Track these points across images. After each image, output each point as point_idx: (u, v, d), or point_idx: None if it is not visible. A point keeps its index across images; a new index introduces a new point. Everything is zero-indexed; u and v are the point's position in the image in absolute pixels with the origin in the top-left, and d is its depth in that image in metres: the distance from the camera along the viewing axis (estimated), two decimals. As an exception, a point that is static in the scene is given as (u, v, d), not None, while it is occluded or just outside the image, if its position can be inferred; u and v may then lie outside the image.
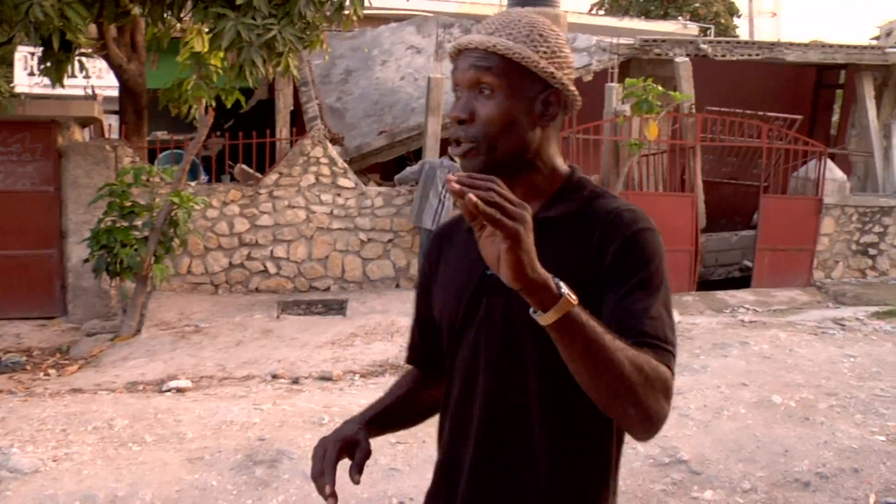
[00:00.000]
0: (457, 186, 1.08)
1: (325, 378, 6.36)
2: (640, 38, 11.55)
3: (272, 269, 9.33)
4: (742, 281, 11.39)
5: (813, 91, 14.54)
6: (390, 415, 1.62)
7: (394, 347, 7.38)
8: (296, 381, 6.25)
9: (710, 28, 20.05)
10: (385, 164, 11.83)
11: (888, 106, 12.27)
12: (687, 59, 10.73)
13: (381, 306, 8.73)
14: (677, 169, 11.35)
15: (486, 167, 1.36)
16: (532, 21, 1.40)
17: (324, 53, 8.86)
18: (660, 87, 9.01)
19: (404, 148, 10.80)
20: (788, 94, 14.02)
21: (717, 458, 4.77)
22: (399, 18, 12.70)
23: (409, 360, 1.69)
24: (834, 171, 10.92)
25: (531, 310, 1.16)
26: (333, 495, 1.40)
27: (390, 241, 9.61)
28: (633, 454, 4.77)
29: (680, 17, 22.52)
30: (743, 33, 24.60)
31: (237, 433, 4.87)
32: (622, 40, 11.08)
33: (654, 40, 11.54)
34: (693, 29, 19.56)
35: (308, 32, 7.25)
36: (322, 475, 1.42)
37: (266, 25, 6.91)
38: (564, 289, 1.14)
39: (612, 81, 10.87)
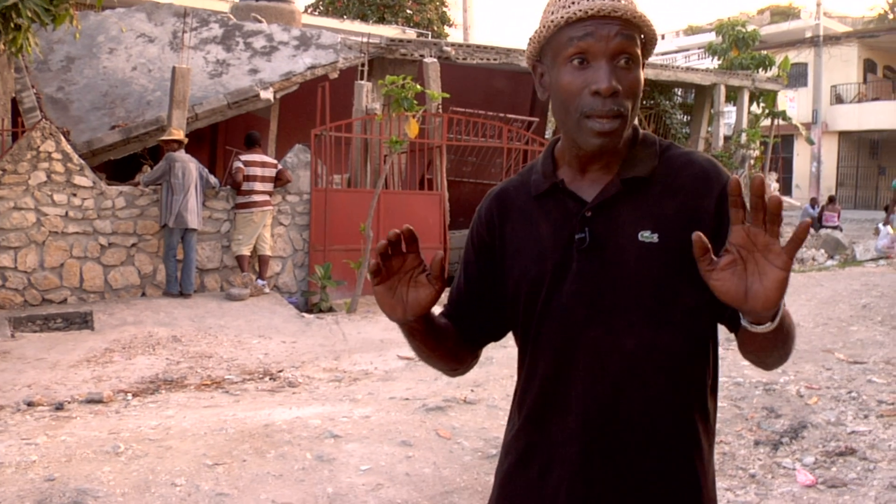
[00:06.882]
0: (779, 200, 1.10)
1: (94, 401, 5.55)
2: (387, 38, 11.59)
3: (-6, 281, 8.04)
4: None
5: (532, 96, 15.57)
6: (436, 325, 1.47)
7: (160, 361, 6.68)
8: (59, 406, 5.38)
9: (428, 34, 20.73)
10: (113, 163, 10.70)
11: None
12: (436, 60, 10.94)
13: (133, 317, 7.87)
14: (417, 168, 11.57)
15: (618, 143, 1.37)
16: None
17: (74, 30, 7.63)
18: (419, 86, 9.06)
19: (140, 144, 9.84)
20: (511, 97, 14.89)
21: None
22: (125, 4, 11.59)
23: (447, 313, 1.54)
24: (565, 170, 11.75)
25: (744, 320, 1.19)
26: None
27: (134, 245, 8.70)
28: (461, 450, 4.71)
29: (394, 23, 23.03)
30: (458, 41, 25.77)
31: (14, 476, 4.05)
32: (371, 39, 11.02)
33: (401, 40, 11.65)
34: (412, 34, 20.12)
35: (55, 4, 6.09)
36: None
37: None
38: None
39: (361, 79, 10.79)
